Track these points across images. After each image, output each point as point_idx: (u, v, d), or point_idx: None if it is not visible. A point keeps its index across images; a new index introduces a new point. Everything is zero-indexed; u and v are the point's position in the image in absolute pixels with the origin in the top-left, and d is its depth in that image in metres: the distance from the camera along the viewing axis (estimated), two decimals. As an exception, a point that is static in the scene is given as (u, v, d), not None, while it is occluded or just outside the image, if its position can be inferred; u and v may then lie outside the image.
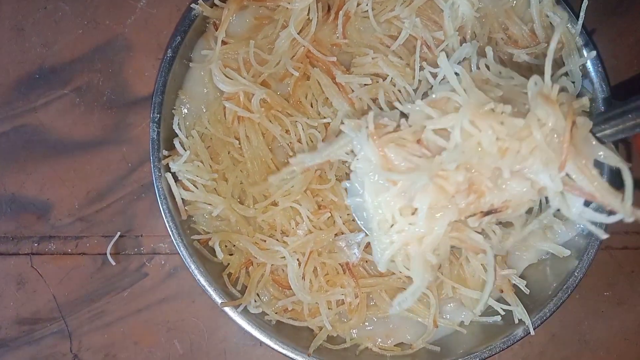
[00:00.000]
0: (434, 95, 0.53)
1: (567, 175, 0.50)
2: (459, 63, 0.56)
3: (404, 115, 0.56)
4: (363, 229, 0.63)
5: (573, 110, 0.49)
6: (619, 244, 0.79)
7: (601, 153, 0.52)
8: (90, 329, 0.77)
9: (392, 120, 0.55)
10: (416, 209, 0.51)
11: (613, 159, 0.52)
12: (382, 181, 0.53)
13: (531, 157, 0.50)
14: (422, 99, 0.53)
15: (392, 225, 0.53)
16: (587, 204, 0.52)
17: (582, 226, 0.70)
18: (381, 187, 0.53)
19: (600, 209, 0.51)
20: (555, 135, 0.49)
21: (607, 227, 0.67)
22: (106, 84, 0.78)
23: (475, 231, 0.54)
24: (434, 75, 0.59)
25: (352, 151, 0.58)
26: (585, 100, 0.52)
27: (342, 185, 0.66)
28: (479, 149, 0.50)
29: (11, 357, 0.76)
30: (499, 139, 0.49)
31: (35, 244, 0.77)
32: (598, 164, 0.51)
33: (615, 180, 0.52)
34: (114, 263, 0.75)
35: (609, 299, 0.80)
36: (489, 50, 0.55)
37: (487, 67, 0.55)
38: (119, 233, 0.76)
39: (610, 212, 0.50)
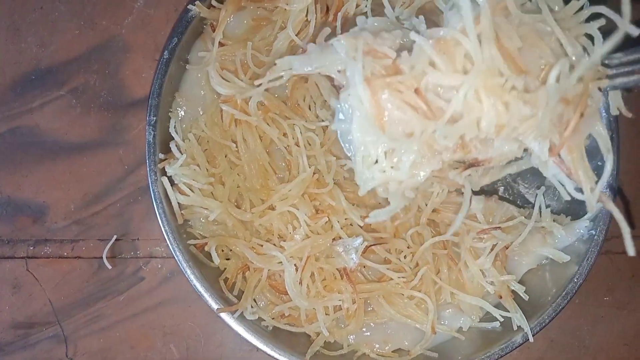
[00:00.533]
0: (442, 33, 0.48)
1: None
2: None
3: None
4: (347, 153, 0.59)
5: (586, 99, 0.47)
6: (619, 248, 0.79)
7: (597, 128, 0.51)
8: (86, 333, 0.76)
9: (392, 47, 0.50)
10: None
11: (603, 141, 0.51)
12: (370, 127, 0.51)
13: (527, 130, 0.48)
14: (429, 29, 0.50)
15: (375, 161, 0.52)
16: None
17: (582, 231, 0.69)
18: (369, 129, 0.51)
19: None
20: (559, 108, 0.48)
21: (607, 232, 0.67)
22: (103, 85, 0.77)
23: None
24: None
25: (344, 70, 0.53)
26: (604, 82, 0.50)
27: (332, 104, 0.60)
28: (476, 124, 0.47)
29: (6, 361, 0.76)
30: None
31: (31, 248, 0.76)
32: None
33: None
34: (110, 267, 0.74)
35: (609, 304, 0.79)
36: None
37: None
38: (115, 236, 0.76)
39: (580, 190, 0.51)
